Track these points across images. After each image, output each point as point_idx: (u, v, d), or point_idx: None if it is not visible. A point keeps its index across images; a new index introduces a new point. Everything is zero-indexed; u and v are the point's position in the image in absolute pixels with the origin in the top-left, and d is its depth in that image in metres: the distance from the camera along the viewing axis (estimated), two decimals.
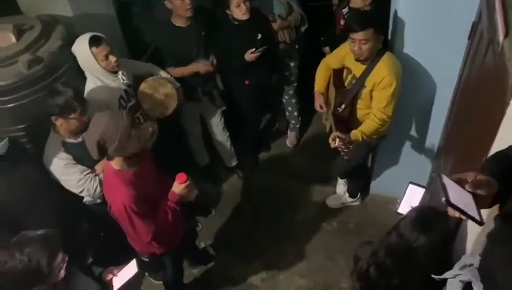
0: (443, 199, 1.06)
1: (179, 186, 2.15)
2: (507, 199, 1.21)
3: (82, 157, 2.32)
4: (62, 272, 1.74)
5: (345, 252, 3.12)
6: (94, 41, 2.39)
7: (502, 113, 1.44)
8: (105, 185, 2.18)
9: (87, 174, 2.33)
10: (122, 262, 2.10)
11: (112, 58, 2.45)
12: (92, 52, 2.39)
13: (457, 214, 1.11)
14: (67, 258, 1.75)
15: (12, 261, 1.59)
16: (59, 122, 2.22)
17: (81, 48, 2.41)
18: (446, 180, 1.11)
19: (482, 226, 1.14)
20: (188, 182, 2.14)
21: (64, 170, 2.30)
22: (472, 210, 1.09)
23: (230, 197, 3.63)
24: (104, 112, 2.00)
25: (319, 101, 2.83)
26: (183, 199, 2.19)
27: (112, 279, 2.00)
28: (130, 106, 2.65)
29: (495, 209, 1.29)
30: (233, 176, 3.77)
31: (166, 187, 2.19)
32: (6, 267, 1.59)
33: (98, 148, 1.93)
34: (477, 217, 1.08)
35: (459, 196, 1.09)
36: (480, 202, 1.13)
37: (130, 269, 1.99)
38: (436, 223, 1.78)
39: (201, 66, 2.94)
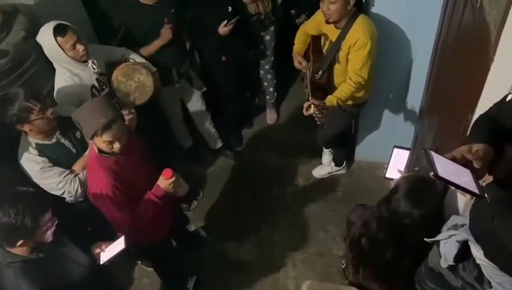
0: (431, 173, 1.04)
1: (164, 181, 2.10)
2: (498, 164, 1.19)
3: (58, 158, 2.22)
4: (49, 234, 1.73)
5: (335, 221, 3.16)
6: (59, 31, 2.27)
7: (486, 69, 1.43)
8: (87, 166, 2.13)
9: (66, 175, 2.23)
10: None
11: (80, 48, 2.33)
12: (57, 42, 2.27)
13: (468, 196, 1.08)
14: (56, 222, 1.74)
15: (1, 213, 1.61)
16: (26, 127, 2.10)
17: (46, 37, 2.28)
18: (433, 154, 1.08)
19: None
20: (173, 178, 2.09)
21: (41, 174, 2.18)
22: (470, 184, 1.06)
23: (217, 178, 3.60)
24: (104, 99, 2.00)
25: (298, 59, 2.76)
26: (170, 194, 2.15)
27: (99, 253, 2.00)
28: (103, 95, 2.55)
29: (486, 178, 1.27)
30: (218, 156, 3.72)
31: (154, 180, 2.13)
32: None
33: (75, 122, 1.94)
34: (476, 191, 1.06)
35: (452, 171, 1.07)
36: (479, 173, 1.11)
37: (118, 245, 1.99)
38: (427, 196, 1.77)
39: (162, 36, 2.77)
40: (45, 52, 2.34)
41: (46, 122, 2.11)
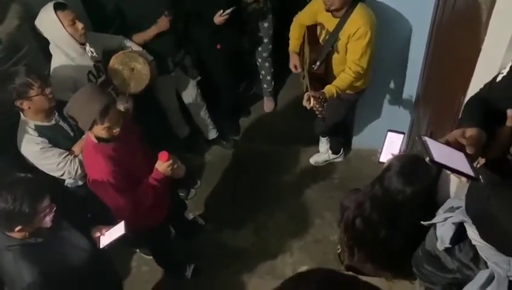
0: (427, 158, 1.04)
1: (161, 164, 2.12)
2: (490, 146, 1.19)
3: (57, 139, 2.24)
4: (48, 220, 1.75)
5: (331, 208, 3.16)
6: (59, 6, 2.29)
7: (478, 50, 1.43)
8: (84, 155, 2.15)
9: (66, 156, 2.26)
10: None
11: (79, 25, 2.34)
12: (57, 16, 2.27)
13: (464, 179, 1.09)
14: (55, 208, 1.76)
15: None
16: (25, 105, 2.11)
17: (46, 15, 2.29)
18: (428, 140, 1.08)
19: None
20: (170, 161, 2.11)
21: (41, 155, 2.21)
22: (465, 167, 1.07)
23: (214, 166, 3.61)
24: (92, 87, 2.00)
25: (293, 61, 2.80)
26: (168, 177, 2.16)
27: (99, 237, 2.03)
28: (100, 82, 2.55)
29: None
30: (215, 145, 3.72)
31: (152, 165, 2.15)
32: None
33: (69, 117, 1.95)
34: (471, 174, 1.06)
35: (447, 155, 1.07)
36: (473, 157, 1.12)
37: (118, 230, 2.02)
38: (419, 173, 1.78)
39: (159, 24, 2.76)
40: (44, 30, 2.32)
41: (45, 100, 2.13)
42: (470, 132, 1.13)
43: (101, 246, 2.00)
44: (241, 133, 3.83)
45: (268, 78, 3.79)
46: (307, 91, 2.63)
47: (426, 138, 1.09)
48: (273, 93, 3.96)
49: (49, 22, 2.29)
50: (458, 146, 1.12)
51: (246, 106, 3.97)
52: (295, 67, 2.79)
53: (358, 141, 3.48)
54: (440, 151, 1.06)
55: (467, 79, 1.56)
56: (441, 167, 1.06)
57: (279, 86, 4.04)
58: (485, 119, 1.21)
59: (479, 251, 1.52)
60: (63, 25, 2.29)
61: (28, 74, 2.06)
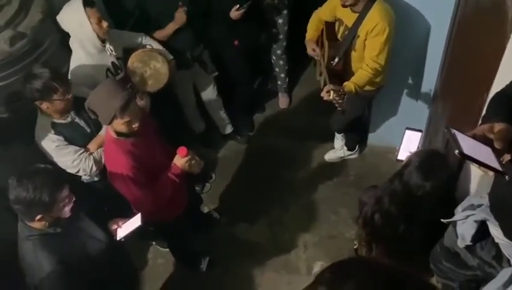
0: (456, 151, 1.04)
1: (180, 159, 2.15)
2: None
3: (73, 137, 2.29)
4: (67, 210, 1.80)
5: (347, 205, 3.17)
6: (88, 3, 2.31)
7: (503, 48, 1.42)
8: (105, 151, 2.19)
9: (81, 154, 2.29)
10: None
11: (104, 23, 2.36)
12: (86, 13, 2.28)
13: (490, 173, 1.10)
14: (74, 199, 1.81)
15: (20, 188, 1.68)
16: (44, 105, 2.16)
17: (74, 11, 2.30)
18: (457, 132, 1.08)
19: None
20: (189, 156, 2.14)
21: (57, 152, 2.26)
22: (493, 162, 1.07)
23: (229, 161, 3.63)
24: (113, 82, 2.03)
25: (311, 46, 2.74)
26: (186, 172, 2.19)
27: (116, 229, 2.06)
28: (118, 79, 2.57)
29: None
30: (230, 140, 3.74)
31: (169, 159, 2.18)
32: (15, 192, 1.69)
33: (89, 111, 1.97)
34: (500, 168, 1.07)
35: (475, 149, 1.07)
36: (500, 151, 1.12)
37: (134, 222, 2.05)
38: (439, 169, 1.78)
39: (176, 19, 2.75)
40: (68, 25, 2.34)
41: (65, 103, 2.18)
42: (499, 126, 1.13)
43: (118, 238, 2.03)
44: (256, 128, 3.84)
45: (282, 75, 3.78)
46: (322, 89, 2.62)
47: (454, 130, 1.09)
48: (288, 90, 3.95)
49: (77, 17, 2.31)
50: (485, 140, 1.12)
51: (261, 102, 3.97)
52: (313, 50, 2.72)
53: (374, 138, 3.47)
54: (468, 145, 1.07)
55: (491, 77, 1.55)
56: (470, 160, 1.06)
57: (294, 82, 4.03)
58: (511, 115, 1.21)
59: (502, 249, 1.51)
60: (90, 22, 2.31)
61: (54, 78, 2.10)
